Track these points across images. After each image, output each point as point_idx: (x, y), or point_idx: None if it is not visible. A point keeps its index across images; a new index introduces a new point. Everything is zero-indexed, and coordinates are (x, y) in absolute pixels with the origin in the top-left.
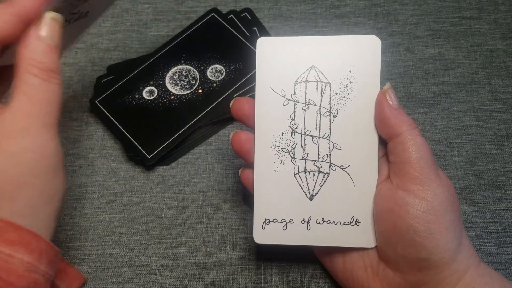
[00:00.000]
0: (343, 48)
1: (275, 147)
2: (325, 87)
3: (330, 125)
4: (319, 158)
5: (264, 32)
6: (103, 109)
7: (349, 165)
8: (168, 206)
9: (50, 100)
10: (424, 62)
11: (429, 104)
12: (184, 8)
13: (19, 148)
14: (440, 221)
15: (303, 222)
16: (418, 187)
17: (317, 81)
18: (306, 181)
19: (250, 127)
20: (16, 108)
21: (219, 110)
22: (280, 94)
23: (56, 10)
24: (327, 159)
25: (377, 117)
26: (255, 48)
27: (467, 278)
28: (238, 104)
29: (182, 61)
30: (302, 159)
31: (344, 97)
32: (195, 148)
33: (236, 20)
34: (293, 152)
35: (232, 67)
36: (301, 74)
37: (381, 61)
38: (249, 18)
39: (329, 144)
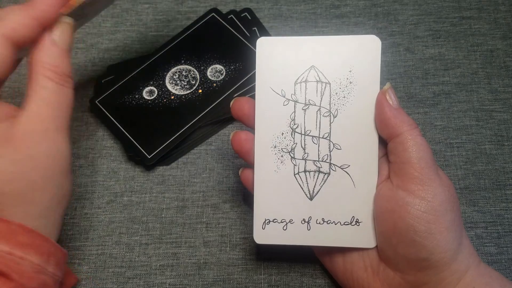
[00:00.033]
0: (343, 48)
1: (275, 147)
2: (325, 87)
3: (330, 125)
4: (319, 158)
5: (264, 32)
6: (103, 109)
7: (349, 165)
8: (168, 206)
9: (65, 104)
10: (424, 62)
11: (429, 104)
12: (184, 8)
13: (37, 152)
14: (440, 221)
15: (303, 222)
16: (418, 187)
17: (317, 81)
18: (306, 181)
19: (250, 127)
20: (33, 112)
21: (219, 110)
22: (280, 94)
23: (69, 14)
24: (327, 159)
25: (377, 117)
26: (255, 48)
27: (467, 278)
28: (238, 104)
29: (182, 61)
30: (302, 159)
31: (344, 97)
32: (195, 148)
33: (236, 20)
34: (293, 152)
35: (232, 67)
36: (301, 74)
37: (381, 61)
38: (249, 18)
39: (329, 144)
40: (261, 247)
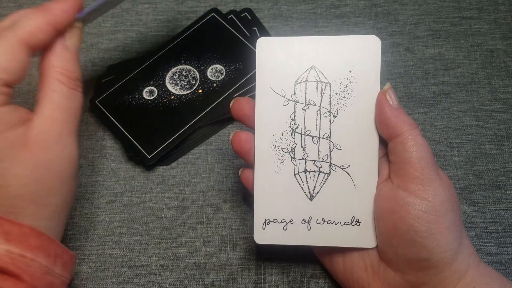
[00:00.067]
0: (343, 48)
1: (275, 147)
2: (325, 87)
3: (330, 125)
4: (319, 158)
5: (264, 32)
6: (103, 109)
7: (349, 165)
8: (168, 206)
9: (76, 109)
10: (424, 62)
11: (429, 104)
12: (184, 8)
13: (53, 156)
14: (440, 221)
15: (303, 222)
16: (418, 187)
17: (317, 81)
18: (306, 181)
19: (250, 127)
20: (47, 116)
21: (219, 110)
22: (280, 94)
23: (82, 20)
24: (327, 159)
25: (378, 117)
26: (255, 48)
27: (468, 278)
28: (238, 104)
29: (182, 61)
30: (302, 159)
31: (344, 97)
32: (195, 148)
33: (236, 20)
34: (293, 152)
35: (232, 67)
36: (301, 74)
37: (381, 61)
38: (249, 18)
39: (329, 144)
40: (261, 247)
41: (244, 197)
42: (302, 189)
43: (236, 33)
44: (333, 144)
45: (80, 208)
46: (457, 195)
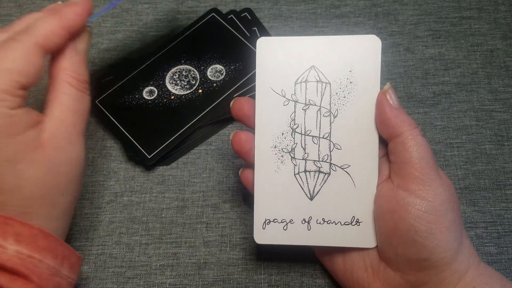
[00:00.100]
0: (343, 48)
1: (275, 147)
2: (325, 87)
3: (330, 125)
4: (319, 158)
5: (264, 32)
6: (103, 109)
7: (349, 165)
8: (168, 206)
9: (85, 111)
10: (424, 62)
11: (429, 104)
12: (184, 8)
13: (64, 157)
14: (441, 221)
15: (303, 222)
16: (419, 187)
17: (317, 81)
18: (307, 181)
19: (250, 127)
20: (57, 118)
21: (219, 110)
22: (280, 94)
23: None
24: (327, 159)
25: (378, 117)
26: (255, 48)
27: (468, 278)
28: (238, 104)
29: (182, 61)
30: (302, 159)
31: (344, 97)
32: (195, 148)
33: (236, 20)
34: (293, 152)
35: (232, 67)
36: (301, 74)
37: (381, 61)
38: (249, 18)
39: (329, 144)
40: (261, 247)
41: (244, 197)
42: (302, 189)
43: (236, 33)
44: (333, 144)
45: (80, 208)
46: (457, 195)
